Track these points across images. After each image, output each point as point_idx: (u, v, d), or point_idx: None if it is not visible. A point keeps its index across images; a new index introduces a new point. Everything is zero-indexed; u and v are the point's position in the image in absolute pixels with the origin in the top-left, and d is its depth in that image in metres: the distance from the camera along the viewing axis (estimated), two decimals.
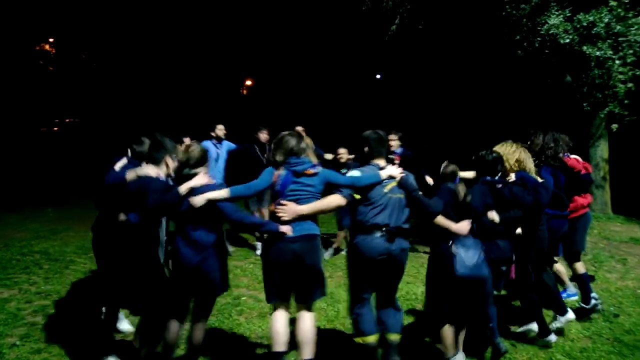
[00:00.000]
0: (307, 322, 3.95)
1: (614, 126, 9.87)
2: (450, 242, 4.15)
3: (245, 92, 37.13)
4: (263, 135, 7.91)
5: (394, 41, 12.01)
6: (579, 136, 11.65)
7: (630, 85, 9.24)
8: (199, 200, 3.68)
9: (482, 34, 11.24)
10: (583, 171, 5.51)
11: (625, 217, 11.12)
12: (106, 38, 28.93)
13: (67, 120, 29.61)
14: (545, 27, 9.22)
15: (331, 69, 28.91)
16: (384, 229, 3.97)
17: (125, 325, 4.98)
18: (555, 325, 4.99)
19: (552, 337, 4.76)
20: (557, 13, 9.24)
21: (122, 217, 3.88)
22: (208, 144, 7.65)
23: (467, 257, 4.07)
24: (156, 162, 3.85)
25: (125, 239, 3.78)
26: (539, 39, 9.47)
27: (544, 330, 4.75)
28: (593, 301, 5.48)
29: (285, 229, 3.80)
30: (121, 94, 29.40)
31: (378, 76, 30.96)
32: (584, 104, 9.91)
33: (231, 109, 30.08)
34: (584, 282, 5.55)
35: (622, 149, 13.27)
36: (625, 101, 9.45)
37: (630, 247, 8.81)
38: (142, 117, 27.81)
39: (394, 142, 7.38)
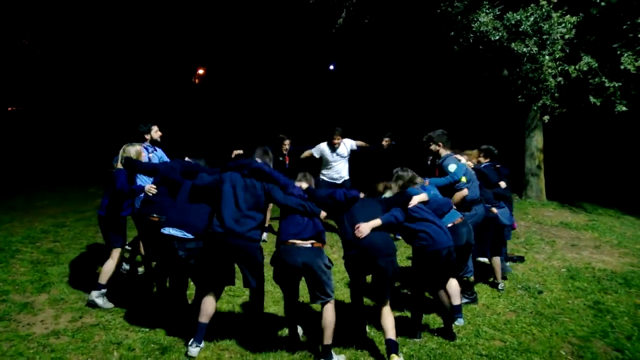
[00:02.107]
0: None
1: (545, 118, 10.44)
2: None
3: (197, 81, 36.56)
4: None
5: (342, 34, 12.27)
6: (516, 127, 12.28)
7: (560, 79, 9.80)
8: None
9: (422, 29, 11.64)
10: None
11: (558, 203, 11.77)
12: (48, 24, 28.01)
13: (10, 109, 28.54)
14: (476, 24, 9.63)
15: (283, 59, 28.93)
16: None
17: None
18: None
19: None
20: (487, 11, 9.67)
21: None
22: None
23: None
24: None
25: None
26: (471, 35, 9.87)
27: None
28: None
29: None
30: (67, 82, 28.59)
31: (331, 67, 31.17)
32: (519, 97, 10.39)
33: (181, 99, 29.71)
34: None
35: (556, 139, 14.01)
36: (556, 94, 10.00)
37: (560, 231, 9.43)
38: (88, 106, 27.22)
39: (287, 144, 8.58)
